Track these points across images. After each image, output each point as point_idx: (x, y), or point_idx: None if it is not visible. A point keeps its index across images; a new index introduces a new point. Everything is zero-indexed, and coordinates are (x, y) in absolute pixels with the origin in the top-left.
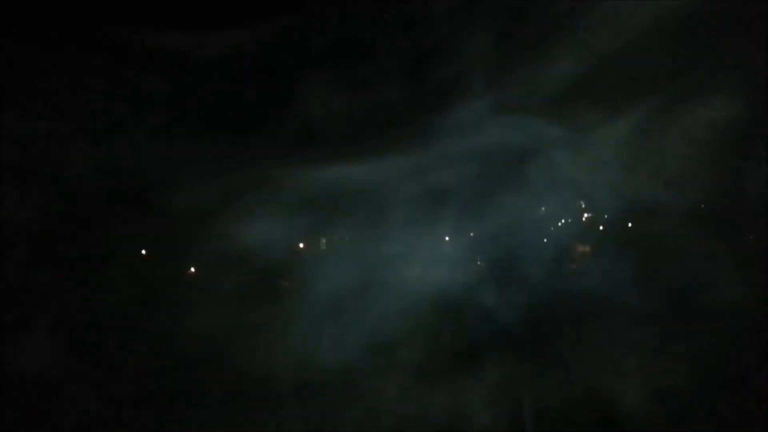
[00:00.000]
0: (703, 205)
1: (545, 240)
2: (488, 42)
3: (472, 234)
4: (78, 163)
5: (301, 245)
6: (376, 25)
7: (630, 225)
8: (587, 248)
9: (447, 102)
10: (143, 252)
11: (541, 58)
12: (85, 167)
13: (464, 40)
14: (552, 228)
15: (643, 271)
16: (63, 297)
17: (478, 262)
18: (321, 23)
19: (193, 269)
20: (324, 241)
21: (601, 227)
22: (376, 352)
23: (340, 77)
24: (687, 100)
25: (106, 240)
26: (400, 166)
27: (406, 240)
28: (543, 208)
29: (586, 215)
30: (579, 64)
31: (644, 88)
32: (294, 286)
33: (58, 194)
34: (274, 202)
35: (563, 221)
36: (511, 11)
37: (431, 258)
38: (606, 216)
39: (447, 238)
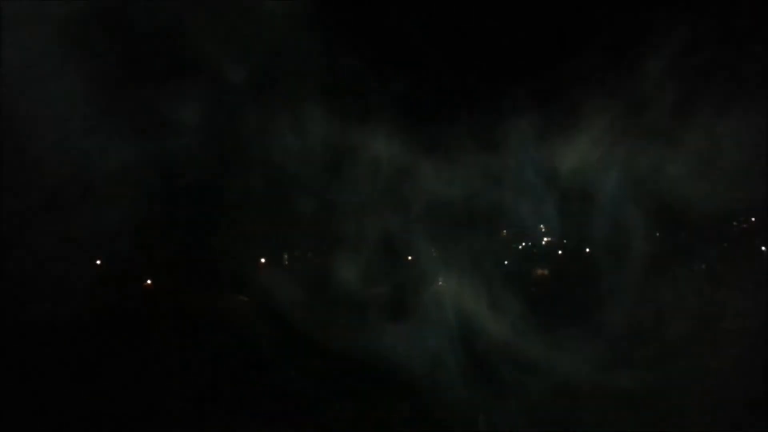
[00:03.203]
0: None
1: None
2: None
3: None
4: None
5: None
6: None
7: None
8: (546, 271)
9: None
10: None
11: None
12: None
13: None
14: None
15: None
16: None
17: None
18: None
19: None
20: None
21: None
22: None
23: None
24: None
25: None
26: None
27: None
28: (504, 231)
29: (545, 239)
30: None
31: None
32: None
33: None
34: None
35: (524, 244)
36: None
37: None
38: (565, 241)
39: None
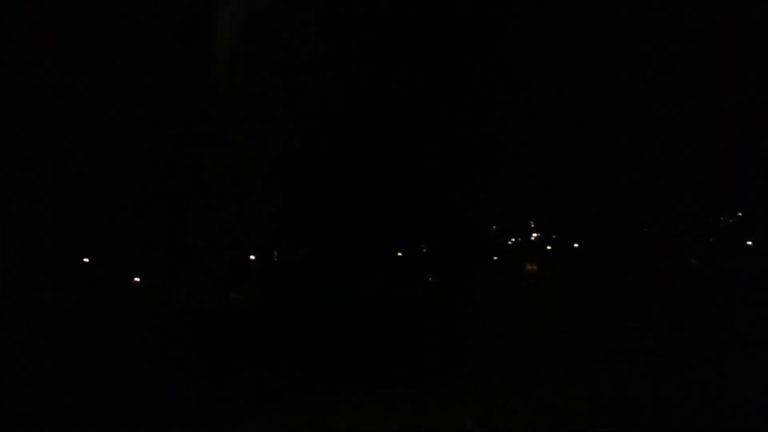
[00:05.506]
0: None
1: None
2: None
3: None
4: None
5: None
6: None
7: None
8: (535, 266)
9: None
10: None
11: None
12: None
13: None
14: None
15: None
16: None
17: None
18: None
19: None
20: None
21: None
22: None
23: None
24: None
25: None
26: None
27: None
28: (494, 227)
29: (534, 235)
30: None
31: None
32: None
33: None
34: None
35: (513, 240)
36: None
37: None
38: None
39: None
